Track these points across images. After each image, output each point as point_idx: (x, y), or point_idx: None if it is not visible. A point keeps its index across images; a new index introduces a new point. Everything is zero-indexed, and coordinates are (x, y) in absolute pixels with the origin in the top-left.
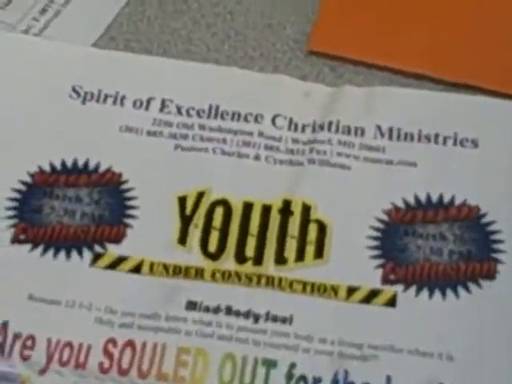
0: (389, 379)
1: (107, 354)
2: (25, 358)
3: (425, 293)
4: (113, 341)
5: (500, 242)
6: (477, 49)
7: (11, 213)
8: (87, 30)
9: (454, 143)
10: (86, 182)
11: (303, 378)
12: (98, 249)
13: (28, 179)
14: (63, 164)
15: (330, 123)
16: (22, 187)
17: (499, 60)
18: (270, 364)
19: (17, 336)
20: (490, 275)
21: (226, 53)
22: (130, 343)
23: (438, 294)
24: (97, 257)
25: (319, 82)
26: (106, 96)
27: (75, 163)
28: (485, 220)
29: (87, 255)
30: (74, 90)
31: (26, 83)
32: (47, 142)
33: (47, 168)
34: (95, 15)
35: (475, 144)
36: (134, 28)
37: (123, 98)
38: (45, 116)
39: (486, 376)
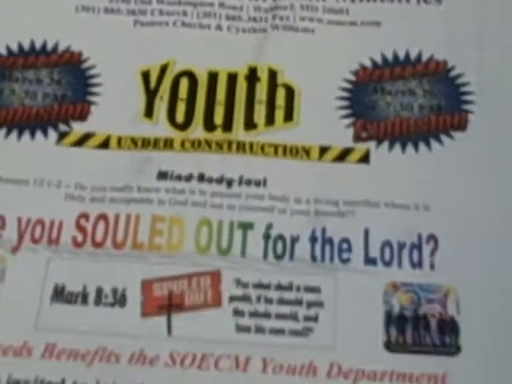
0: (367, 232)
1: (80, 228)
2: None
3: (397, 147)
4: (85, 215)
5: (469, 93)
6: None
7: None
8: None
9: (418, 1)
10: (45, 63)
11: (281, 237)
12: (63, 127)
13: None
14: (20, 47)
15: None
16: None
17: None
18: (247, 226)
19: None
20: (462, 126)
21: None
22: (103, 216)
23: (410, 147)
24: (62, 135)
25: None
26: None
27: (32, 45)
28: (453, 73)
29: (52, 134)
30: None
31: None
32: (1, 26)
33: (4, 51)
34: None
35: (439, 0)
36: None
37: None
38: None
39: (460, 223)
